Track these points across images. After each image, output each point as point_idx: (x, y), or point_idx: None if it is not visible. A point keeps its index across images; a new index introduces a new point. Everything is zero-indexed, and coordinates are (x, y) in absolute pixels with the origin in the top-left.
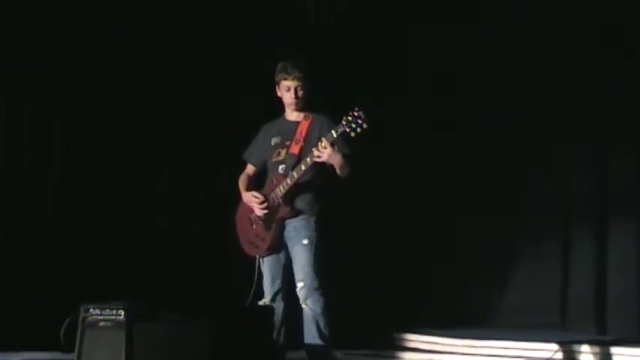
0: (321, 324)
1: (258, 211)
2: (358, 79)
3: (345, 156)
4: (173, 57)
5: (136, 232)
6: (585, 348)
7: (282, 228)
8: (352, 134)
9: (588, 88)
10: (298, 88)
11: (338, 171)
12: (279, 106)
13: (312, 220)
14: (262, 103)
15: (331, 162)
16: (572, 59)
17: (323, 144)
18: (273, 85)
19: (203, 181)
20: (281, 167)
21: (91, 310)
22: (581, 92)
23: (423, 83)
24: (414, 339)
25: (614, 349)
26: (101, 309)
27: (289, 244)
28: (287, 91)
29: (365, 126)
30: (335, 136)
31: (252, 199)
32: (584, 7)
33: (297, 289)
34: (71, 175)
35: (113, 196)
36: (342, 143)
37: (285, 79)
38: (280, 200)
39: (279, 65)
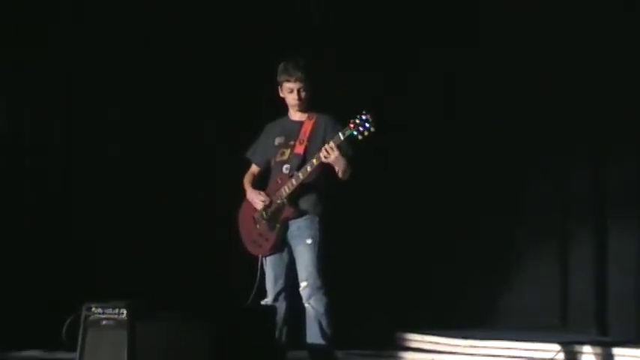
0: (324, 323)
1: (259, 205)
2: (361, 78)
3: (348, 159)
4: (173, 57)
5: (136, 231)
6: (587, 349)
7: (286, 228)
8: (359, 137)
9: (588, 88)
10: (301, 90)
11: (340, 174)
12: (282, 106)
13: (316, 219)
14: (265, 102)
15: (335, 164)
16: (572, 59)
17: (330, 145)
18: (275, 85)
19: (203, 181)
20: (285, 167)
21: (93, 309)
22: (581, 92)
23: (423, 83)
24: (416, 339)
25: (615, 350)
26: (103, 308)
27: (292, 244)
28: (290, 92)
29: (372, 129)
30: (342, 138)
31: (256, 199)
32: (584, 7)
33: (301, 289)
34: (72, 175)
35: (113, 195)
36: (347, 146)
37: (288, 80)
38: (285, 200)
39: (281, 66)
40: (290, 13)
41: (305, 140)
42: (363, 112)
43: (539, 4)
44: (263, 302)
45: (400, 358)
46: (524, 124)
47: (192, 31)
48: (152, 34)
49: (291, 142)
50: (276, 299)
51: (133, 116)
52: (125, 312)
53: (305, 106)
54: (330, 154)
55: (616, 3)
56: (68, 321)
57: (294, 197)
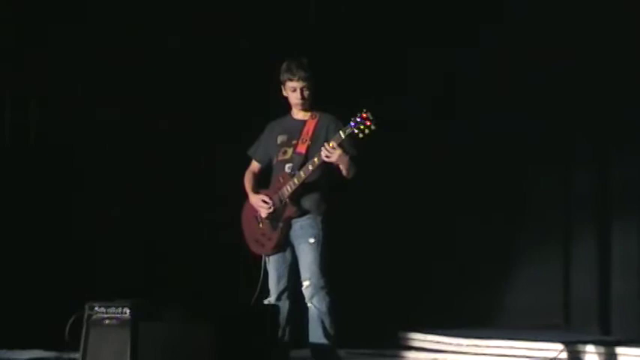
0: (327, 323)
1: (264, 213)
2: (359, 78)
3: (351, 157)
4: (173, 57)
5: (136, 231)
6: (590, 348)
7: (289, 227)
8: (360, 135)
9: (589, 88)
10: (304, 89)
11: (344, 172)
12: (282, 105)
13: (319, 219)
14: (265, 102)
15: (339, 163)
16: (572, 59)
17: (331, 144)
18: (278, 84)
19: (203, 182)
20: (287, 166)
21: (96, 308)
22: (581, 92)
23: (423, 83)
24: (419, 338)
25: (618, 350)
26: (106, 307)
27: (295, 243)
28: (293, 91)
29: (373, 127)
30: (343, 137)
31: (260, 204)
32: (584, 7)
33: (303, 288)
34: (72, 175)
35: (113, 195)
36: (350, 144)
37: (291, 79)
38: (287, 199)
39: (284, 65)
40: (290, 13)
41: (307, 139)
42: (364, 111)
43: (539, 4)
44: (266, 301)
45: (403, 357)
46: (525, 123)
47: (193, 31)
48: (152, 34)
49: (294, 141)
50: (279, 298)
51: (133, 116)
52: (128, 311)
53: (308, 105)
54: (332, 153)
55: (616, 3)
56: (71, 320)
57: (296, 196)
